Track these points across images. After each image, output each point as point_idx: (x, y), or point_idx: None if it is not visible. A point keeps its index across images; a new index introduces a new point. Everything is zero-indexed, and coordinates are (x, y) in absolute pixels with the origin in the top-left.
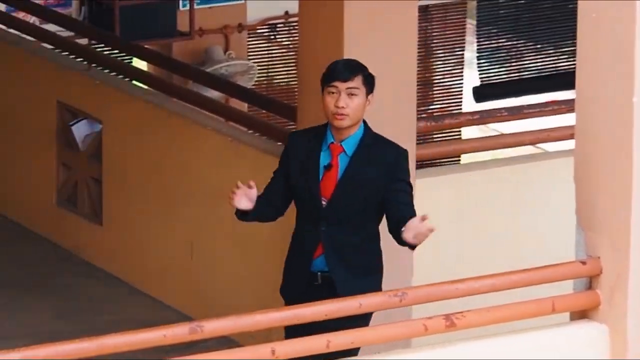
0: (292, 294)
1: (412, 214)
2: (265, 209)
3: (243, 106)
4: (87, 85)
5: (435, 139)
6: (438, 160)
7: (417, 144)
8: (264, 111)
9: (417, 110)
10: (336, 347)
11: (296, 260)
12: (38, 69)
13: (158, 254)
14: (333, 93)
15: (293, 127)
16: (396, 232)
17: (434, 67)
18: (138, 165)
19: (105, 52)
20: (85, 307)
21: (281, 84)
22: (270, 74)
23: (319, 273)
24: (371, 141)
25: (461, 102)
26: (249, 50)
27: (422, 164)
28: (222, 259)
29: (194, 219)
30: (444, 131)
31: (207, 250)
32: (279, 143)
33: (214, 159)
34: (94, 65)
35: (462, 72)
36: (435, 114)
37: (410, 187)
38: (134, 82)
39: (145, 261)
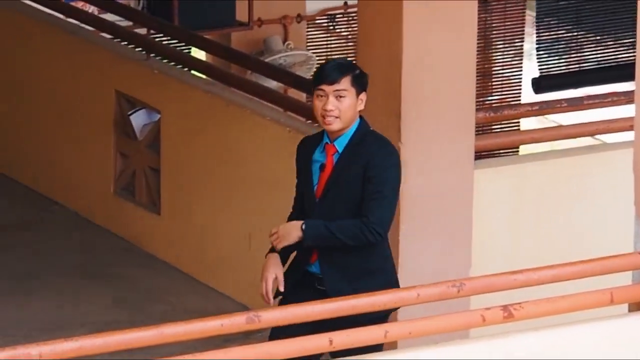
0: (291, 297)
1: (370, 211)
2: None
3: (301, 96)
4: (145, 75)
5: (494, 130)
6: (497, 152)
7: (476, 134)
8: None
9: (476, 102)
10: (393, 337)
11: (297, 264)
12: (97, 58)
13: (216, 244)
14: (321, 96)
15: None
16: None
17: (493, 58)
18: (196, 155)
19: (164, 42)
20: (143, 296)
21: None
22: None
23: (317, 277)
24: (360, 139)
25: (520, 93)
26: (308, 40)
27: (480, 155)
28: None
29: (251, 209)
30: (502, 122)
31: (265, 241)
32: None
33: (272, 149)
34: (152, 55)
35: (521, 63)
36: (494, 105)
37: (390, 184)
38: (193, 72)
39: (203, 251)
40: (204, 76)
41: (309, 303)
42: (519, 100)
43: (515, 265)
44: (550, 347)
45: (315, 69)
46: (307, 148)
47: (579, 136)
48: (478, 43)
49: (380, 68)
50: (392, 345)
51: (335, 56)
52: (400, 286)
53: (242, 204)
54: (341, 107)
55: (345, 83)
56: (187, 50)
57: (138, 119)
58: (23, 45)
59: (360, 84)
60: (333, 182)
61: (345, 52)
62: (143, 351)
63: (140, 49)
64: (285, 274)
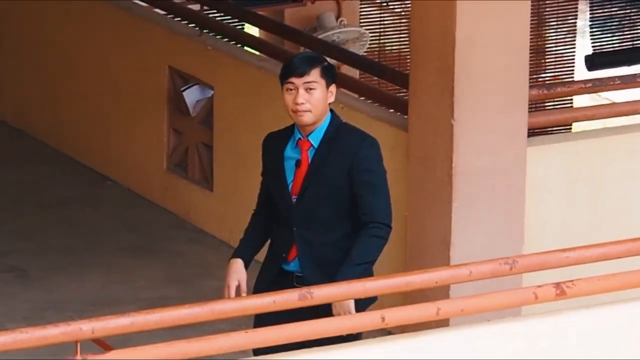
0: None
1: (371, 209)
2: (259, 234)
3: (355, 73)
4: (198, 51)
5: (547, 107)
6: (549, 129)
7: (529, 112)
8: (375, 78)
9: (529, 78)
10: (445, 314)
11: (272, 263)
12: (150, 34)
13: None
14: (291, 90)
15: (405, 94)
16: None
17: (547, 35)
18: (249, 131)
19: (218, 18)
20: (195, 272)
21: (393, 51)
22: (382, 42)
23: (295, 275)
24: (335, 132)
25: (573, 70)
26: (361, 17)
27: (533, 132)
28: None
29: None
30: (555, 99)
31: None
32: (391, 110)
33: None
34: (205, 31)
35: (574, 40)
36: (547, 82)
37: (377, 174)
38: (246, 48)
39: None
40: (257, 52)
41: (363, 280)
42: (572, 77)
43: (568, 242)
44: (601, 324)
45: (284, 64)
46: (274, 144)
47: (632, 114)
48: (531, 20)
49: (433, 45)
50: (444, 323)
51: (389, 34)
52: (451, 264)
53: None
54: (312, 99)
55: (314, 75)
56: (240, 27)
57: (191, 95)
58: (76, 22)
59: (330, 75)
60: (312, 179)
61: (399, 28)
62: (193, 328)
63: (193, 25)
64: (260, 275)
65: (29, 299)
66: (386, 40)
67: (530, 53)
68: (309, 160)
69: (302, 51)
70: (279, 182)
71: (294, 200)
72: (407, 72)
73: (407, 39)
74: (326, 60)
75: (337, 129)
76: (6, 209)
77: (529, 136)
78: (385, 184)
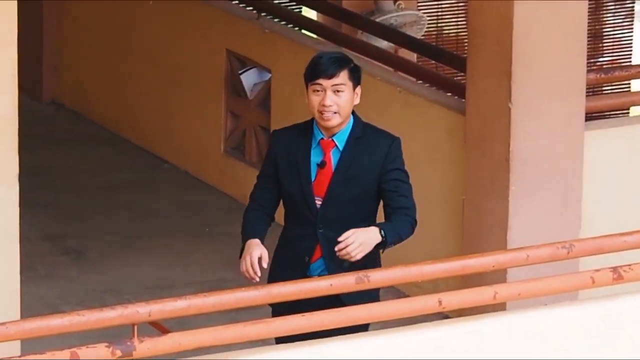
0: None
1: (406, 204)
2: (264, 225)
3: (412, 56)
4: (256, 34)
5: (604, 92)
6: (607, 113)
7: (586, 96)
8: (433, 62)
9: (587, 63)
10: (502, 298)
11: (290, 265)
12: (208, 18)
13: None
14: (318, 91)
15: (462, 78)
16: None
17: (604, 19)
18: (306, 114)
19: (275, 1)
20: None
21: (450, 34)
22: (439, 25)
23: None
24: (361, 132)
25: (631, 54)
26: (419, 0)
27: (591, 117)
28: None
29: None
30: (613, 83)
31: None
32: (448, 94)
33: (382, 108)
34: (263, 14)
35: (632, 24)
36: (605, 66)
37: (406, 174)
38: (304, 31)
39: None
40: (314, 35)
41: (419, 263)
42: (630, 61)
43: (625, 226)
44: None
45: (310, 63)
46: (289, 143)
47: None
48: (589, 4)
49: (491, 29)
50: (501, 307)
51: (446, 17)
52: (508, 247)
53: None
54: (339, 102)
55: (343, 77)
56: (298, 10)
57: (249, 78)
58: (135, 5)
59: (357, 77)
60: (339, 180)
61: (456, 12)
62: (248, 311)
63: (251, 8)
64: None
65: (86, 282)
66: (444, 24)
67: (588, 37)
68: (334, 161)
69: (327, 50)
70: (300, 183)
71: (320, 201)
72: (465, 55)
73: (464, 22)
74: (353, 61)
75: (363, 129)
76: (65, 192)
77: (586, 120)
78: (410, 184)
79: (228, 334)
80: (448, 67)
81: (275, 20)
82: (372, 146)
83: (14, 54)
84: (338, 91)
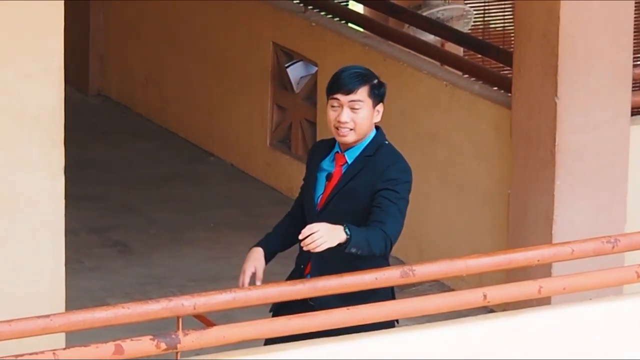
0: (282, 307)
1: (383, 219)
2: (281, 232)
3: (459, 50)
4: (303, 27)
5: None
6: None
7: (632, 91)
8: (479, 56)
9: (633, 57)
10: (547, 292)
11: (294, 273)
12: (255, 11)
13: None
14: (335, 106)
15: (509, 72)
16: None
17: None
18: None
19: None
20: (298, 249)
21: (497, 28)
22: (486, 19)
23: None
24: (374, 151)
25: None
26: None
27: (637, 111)
28: (435, 203)
29: (408, 162)
30: None
31: (421, 194)
32: (495, 88)
33: (429, 102)
34: (310, 7)
35: None
36: None
37: (398, 195)
38: (350, 24)
39: None
40: (361, 29)
41: (464, 257)
42: None
43: None
44: None
45: (332, 77)
46: (318, 154)
47: None
48: None
49: (538, 23)
50: (546, 301)
51: (493, 11)
52: (553, 242)
53: None
54: (356, 119)
55: (362, 93)
56: (344, 3)
57: (295, 71)
58: None
59: (378, 95)
60: (337, 193)
61: (503, 6)
62: None
63: (298, 1)
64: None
65: (131, 274)
66: (490, 18)
67: (635, 32)
68: (340, 175)
69: (351, 65)
70: (309, 193)
71: (317, 213)
72: (511, 50)
73: (511, 16)
74: (376, 78)
75: (377, 148)
76: (110, 185)
77: (632, 115)
78: (405, 212)
79: (272, 328)
80: (494, 62)
81: (322, 13)
82: (374, 165)
83: (61, 47)
84: (355, 108)
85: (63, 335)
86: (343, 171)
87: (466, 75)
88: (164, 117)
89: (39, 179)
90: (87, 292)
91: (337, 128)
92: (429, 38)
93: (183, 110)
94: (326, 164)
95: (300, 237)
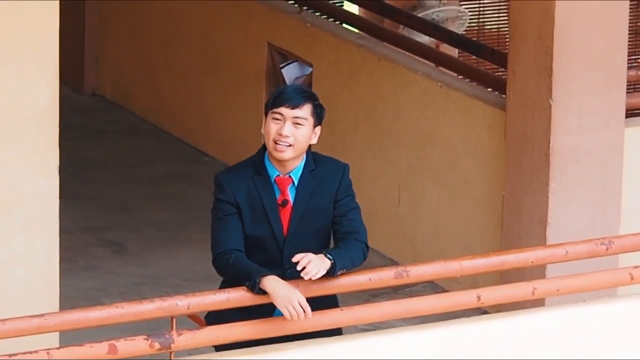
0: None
1: (355, 228)
2: None
3: (453, 52)
4: (298, 28)
5: None
6: None
7: (627, 93)
8: (474, 57)
9: (628, 59)
10: (541, 294)
11: (251, 308)
12: (250, 11)
13: (367, 198)
14: (278, 120)
15: (503, 73)
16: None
17: None
18: (347, 108)
19: None
20: None
21: (492, 30)
22: (481, 20)
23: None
24: (313, 165)
25: None
26: None
27: (631, 113)
28: (429, 204)
29: (402, 163)
30: None
31: (415, 195)
32: (489, 89)
33: (423, 103)
34: (305, 8)
35: None
36: None
37: (354, 197)
38: (345, 25)
39: None
40: (356, 30)
41: (459, 258)
42: None
43: None
44: None
45: (275, 91)
46: (242, 183)
47: None
48: (630, 1)
49: (532, 24)
50: (540, 303)
51: (488, 13)
52: (547, 243)
53: (392, 158)
54: (297, 135)
55: (306, 110)
56: (339, 4)
57: (290, 72)
58: None
59: (319, 116)
60: (300, 216)
61: (498, 8)
62: None
63: (293, 2)
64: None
65: (126, 274)
66: (485, 19)
67: (629, 34)
68: (292, 198)
69: (294, 84)
70: (265, 225)
71: (284, 241)
72: (506, 51)
73: (506, 18)
74: (318, 99)
75: (315, 161)
76: (105, 184)
77: (626, 117)
78: (360, 208)
79: (266, 328)
80: (489, 63)
81: (317, 14)
82: (325, 178)
83: (56, 46)
84: (298, 124)
85: (57, 334)
86: (295, 193)
87: (461, 77)
88: (158, 116)
89: (34, 178)
90: (81, 292)
91: (276, 142)
92: (424, 39)
93: (178, 110)
94: (266, 192)
95: (299, 267)
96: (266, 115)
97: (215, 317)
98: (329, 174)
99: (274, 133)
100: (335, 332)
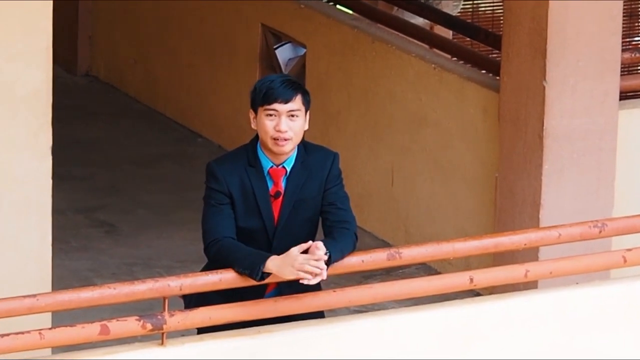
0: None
1: (345, 217)
2: None
3: (447, 33)
4: (291, 9)
5: (639, 71)
6: None
7: (621, 75)
8: (468, 39)
9: (622, 42)
10: (534, 276)
11: (240, 296)
12: None
13: (360, 179)
14: (272, 116)
15: (497, 55)
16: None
17: None
18: (341, 89)
19: None
20: None
21: (486, 12)
22: (475, 2)
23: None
24: (303, 154)
25: None
26: None
27: (626, 96)
28: (422, 186)
29: (396, 145)
30: None
31: (408, 177)
32: (483, 71)
33: (417, 85)
34: None
35: None
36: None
37: (343, 185)
38: (339, 7)
39: (348, 186)
40: (350, 11)
41: (452, 240)
42: None
43: None
44: None
45: (261, 87)
46: (236, 173)
47: None
48: None
49: (526, 7)
50: (533, 285)
51: None
52: (540, 226)
53: (385, 140)
54: (295, 128)
55: (298, 102)
56: None
57: (284, 53)
58: None
59: (308, 101)
60: (290, 206)
61: None
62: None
63: None
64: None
65: (118, 255)
66: (479, 1)
67: (623, 16)
68: (285, 188)
69: (277, 74)
70: (256, 217)
71: (274, 231)
72: (500, 33)
73: (500, 0)
74: (303, 85)
75: (305, 150)
76: (97, 165)
77: (620, 99)
78: (348, 196)
79: (259, 309)
80: (483, 45)
81: None
82: (315, 167)
83: (49, 27)
84: (293, 116)
85: (49, 315)
86: (286, 183)
87: (455, 59)
88: (152, 97)
89: (26, 159)
90: (73, 273)
91: (275, 139)
92: (418, 21)
93: (171, 91)
94: (259, 183)
95: (315, 282)
96: (254, 109)
97: (194, 301)
98: (319, 163)
99: (271, 130)
100: (318, 314)
